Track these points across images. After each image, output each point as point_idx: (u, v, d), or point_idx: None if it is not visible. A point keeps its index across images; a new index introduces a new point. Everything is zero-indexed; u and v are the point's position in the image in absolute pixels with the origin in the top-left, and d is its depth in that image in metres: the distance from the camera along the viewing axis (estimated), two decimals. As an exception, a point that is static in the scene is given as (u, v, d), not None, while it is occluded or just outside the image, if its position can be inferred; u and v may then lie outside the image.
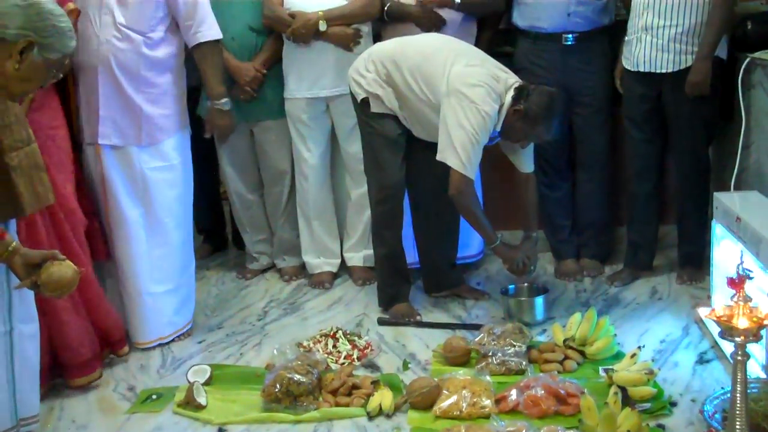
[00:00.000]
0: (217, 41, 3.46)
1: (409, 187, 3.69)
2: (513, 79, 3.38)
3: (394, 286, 3.71)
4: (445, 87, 3.32)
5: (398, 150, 3.57)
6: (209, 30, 3.40)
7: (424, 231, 3.81)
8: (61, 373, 3.18)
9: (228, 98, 3.58)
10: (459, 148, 3.27)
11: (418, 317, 3.61)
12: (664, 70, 3.56)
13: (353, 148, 3.98)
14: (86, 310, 3.18)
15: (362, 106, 3.56)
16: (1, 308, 2.57)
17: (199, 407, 2.93)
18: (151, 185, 3.37)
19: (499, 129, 3.36)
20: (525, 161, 3.60)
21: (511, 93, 3.31)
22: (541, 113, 3.29)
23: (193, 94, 3.87)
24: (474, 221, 3.45)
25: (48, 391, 3.09)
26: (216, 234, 4.74)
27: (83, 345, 3.14)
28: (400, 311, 3.64)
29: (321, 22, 3.74)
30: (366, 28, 3.90)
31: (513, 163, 3.61)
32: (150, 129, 3.33)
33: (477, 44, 3.99)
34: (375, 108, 3.53)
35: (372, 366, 3.20)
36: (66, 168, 3.15)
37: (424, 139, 3.52)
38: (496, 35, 4.15)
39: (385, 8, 3.86)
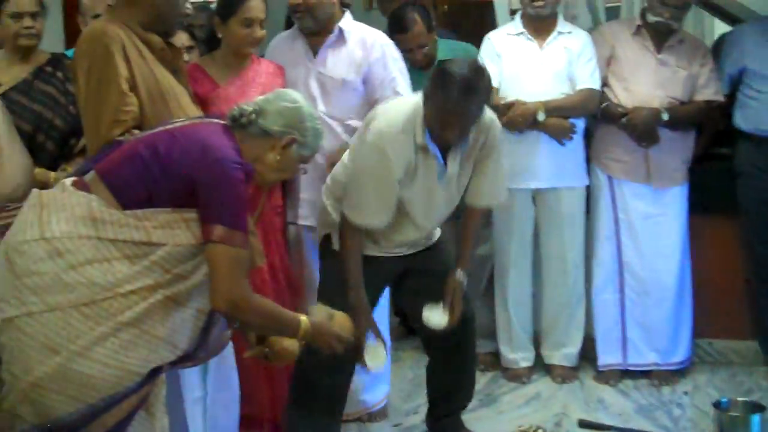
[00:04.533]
0: None
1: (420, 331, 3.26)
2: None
3: None
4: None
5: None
6: None
7: (438, 373, 3.34)
8: None
9: None
10: None
11: None
12: None
13: (556, 245, 3.96)
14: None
15: (323, 246, 3.14)
16: (197, 373, 2.69)
17: (395, 492, 2.94)
18: None
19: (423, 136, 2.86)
20: (482, 187, 3.06)
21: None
22: (432, 82, 2.77)
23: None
24: None
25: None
26: (412, 317, 4.79)
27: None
28: None
29: (540, 111, 3.75)
30: (581, 124, 3.90)
31: (467, 199, 3.11)
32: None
33: (695, 147, 3.92)
34: (337, 242, 3.05)
35: (572, 469, 3.11)
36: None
37: (421, 230, 3.05)
38: (715, 136, 4.04)
39: (602, 106, 3.85)
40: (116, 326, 2.03)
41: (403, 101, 2.99)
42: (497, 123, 3.04)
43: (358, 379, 3.52)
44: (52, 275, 2.03)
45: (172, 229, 2.12)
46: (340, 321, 2.60)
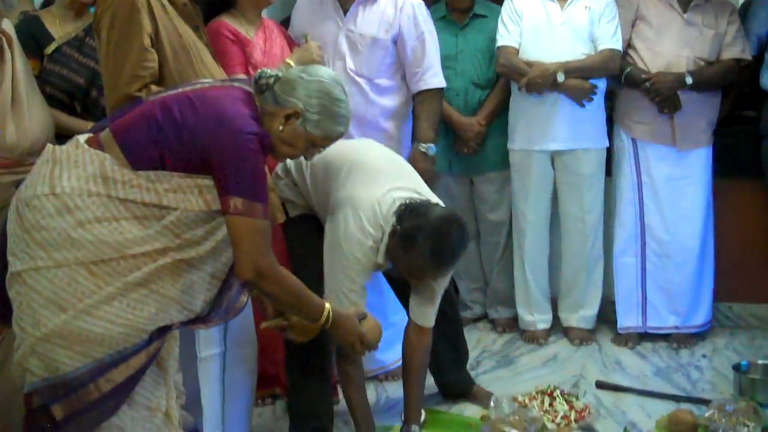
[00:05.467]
0: (440, 89, 3.51)
1: (397, 291, 3.22)
2: (403, 195, 2.74)
3: None
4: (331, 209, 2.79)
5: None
6: (433, 78, 3.47)
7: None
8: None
9: (434, 144, 3.49)
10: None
11: None
12: None
13: (574, 207, 3.94)
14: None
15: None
16: (216, 329, 2.70)
17: (413, 449, 2.95)
18: None
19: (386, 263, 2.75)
20: (422, 309, 2.90)
21: (394, 210, 2.68)
22: (413, 233, 2.58)
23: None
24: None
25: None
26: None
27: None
28: None
29: (560, 73, 3.71)
30: (602, 85, 3.85)
31: (413, 317, 2.94)
32: None
33: (720, 110, 3.86)
34: (292, 211, 3.00)
35: (589, 429, 3.09)
36: None
37: None
38: (740, 98, 3.99)
39: (625, 71, 3.79)
40: (124, 287, 2.02)
41: (370, 202, 2.71)
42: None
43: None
44: (60, 231, 2.01)
45: (184, 194, 2.10)
46: (370, 325, 2.60)
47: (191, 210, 2.10)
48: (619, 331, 3.98)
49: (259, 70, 2.28)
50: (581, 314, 4.04)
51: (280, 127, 2.24)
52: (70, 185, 2.04)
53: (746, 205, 4.03)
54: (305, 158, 2.40)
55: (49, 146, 2.15)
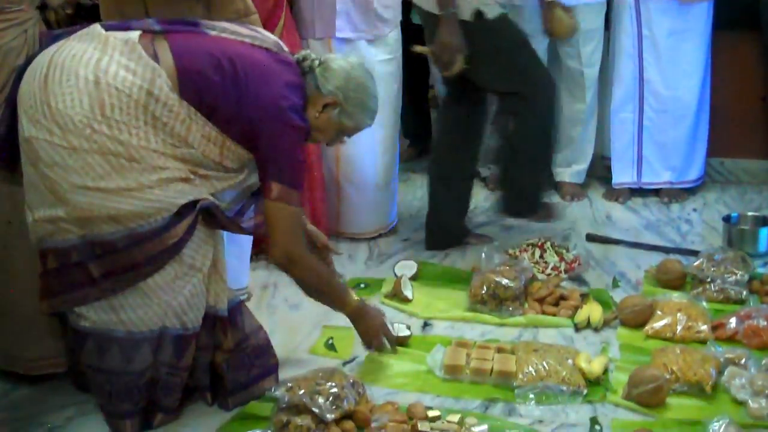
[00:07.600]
0: None
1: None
2: None
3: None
4: None
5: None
6: None
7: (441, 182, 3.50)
8: None
9: None
10: None
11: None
12: None
13: (573, 60, 3.88)
14: None
15: (476, 24, 3.11)
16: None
17: (405, 300, 2.99)
18: None
19: None
20: None
21: None
22: None
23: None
24: None
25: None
26: (421, 139, 4.75)
27: None
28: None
29: None
30: None
31: None
32: (378, 22, 3.40)
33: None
34: (491, 12, 3.12)
35: (579, 280, 3.14)
36: None
37: None
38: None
39: None
40: (143, 183, 2.04)
41: None
42: None
43: (372, 199, 3.57)
44: (82, 118, 2.01)
45: (208, 141, 2.14)
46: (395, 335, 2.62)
47: (208, 156, 2.15)
48: (614, 187, 3.98)
49: (303, 52, 2.33)
50: (574, 169, 4.05)
51: (317, 114, 2.30)
52: (115, 84, 2.03)
53: (742, 58, 3.98)
54: (327, 144, 2.50)
55: (102, 32, 2.12)
